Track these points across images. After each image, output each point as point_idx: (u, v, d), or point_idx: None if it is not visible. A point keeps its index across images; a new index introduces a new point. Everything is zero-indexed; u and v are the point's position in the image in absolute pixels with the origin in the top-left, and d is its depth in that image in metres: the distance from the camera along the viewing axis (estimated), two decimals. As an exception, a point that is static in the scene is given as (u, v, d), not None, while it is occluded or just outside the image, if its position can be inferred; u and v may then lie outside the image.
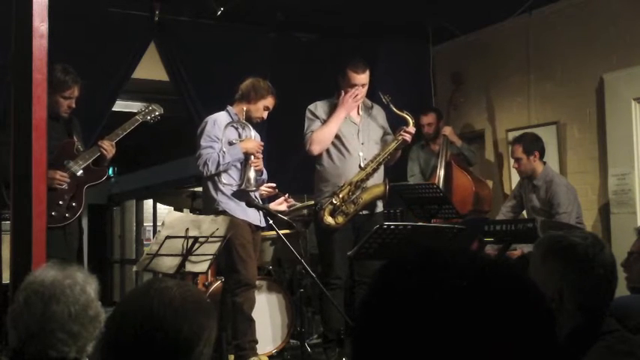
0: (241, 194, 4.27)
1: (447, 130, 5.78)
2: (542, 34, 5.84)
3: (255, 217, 4.35)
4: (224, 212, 4.22)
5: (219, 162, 4.27)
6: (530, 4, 5.73)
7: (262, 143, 4.46)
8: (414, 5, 5.76)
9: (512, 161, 5.67)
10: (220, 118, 4.43)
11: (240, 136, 4.42)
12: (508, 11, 5.90)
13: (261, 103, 4.44)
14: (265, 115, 4.50)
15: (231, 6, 5.49)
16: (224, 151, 4.29)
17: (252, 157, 4.36)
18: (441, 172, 5.66)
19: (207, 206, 4.43)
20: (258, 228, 4.43)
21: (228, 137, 4.35)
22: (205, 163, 4.28)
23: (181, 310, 1.50)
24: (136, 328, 1.48)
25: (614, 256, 1.88)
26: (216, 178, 4.32)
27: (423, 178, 5.86)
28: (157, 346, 1.46)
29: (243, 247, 4.28)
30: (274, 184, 4.74)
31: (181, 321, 1.48)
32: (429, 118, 5.91)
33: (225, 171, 4.32)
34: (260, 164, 4.42)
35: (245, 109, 4.42)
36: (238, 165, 4.37)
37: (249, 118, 4.44)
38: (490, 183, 6.32)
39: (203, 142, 4.34)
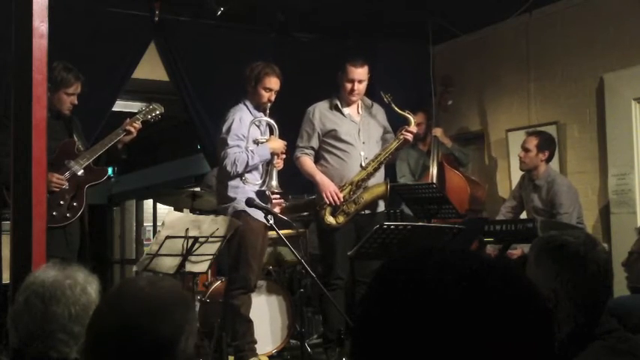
0: (259, 195, 4.24)
1: (438, 132, 5.78)
2: (542, 34, 5.84)
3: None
4: (243, 212, 4.18)
5: (247, 162, 4.22)
6: (530, 4, 5.73)
7: (286, 143, 4.41)
8: (413, 5, 5.76)
9: (512, 161, 5.67)
10: (244, 115, 4.35)
11: (261, 133, 4.39)
12: (508, 11, 5.90)
13: (260, 87, 4.35)
14: (271, 96, 4.37)
15: (232, 6, 5.49)
16: (252, 152, 4.25)
17: (276, 157, 4.33)
18: (433, 172, 5.64)
19: (223, 204, 4.34)
20: (266, 228, 4.36)
21: (252, 135, 4.32)
22: (234, 163, 4.22)
23: (157, 311, 1.47)
24: (113, 335, 1.45)
25: (609, 254, 1.89)
26: (238, 176, 4.28)
27: (412, 178, 5.85)
28: (137, 351, 1.44)
29: (254, 249, 4.26)
30: (279, 192, 4.73)
31: (159, 322, 1.46)
32: (418, 118, 5.88)
33: (250, 171, 4.30)
34: (281, 164, 4.39)
35: (250, 99, 4.39)
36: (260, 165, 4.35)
37: (257, 107, 4.39)
38: (489, 184, 6.31)
39: (230, 141, 4.26)
